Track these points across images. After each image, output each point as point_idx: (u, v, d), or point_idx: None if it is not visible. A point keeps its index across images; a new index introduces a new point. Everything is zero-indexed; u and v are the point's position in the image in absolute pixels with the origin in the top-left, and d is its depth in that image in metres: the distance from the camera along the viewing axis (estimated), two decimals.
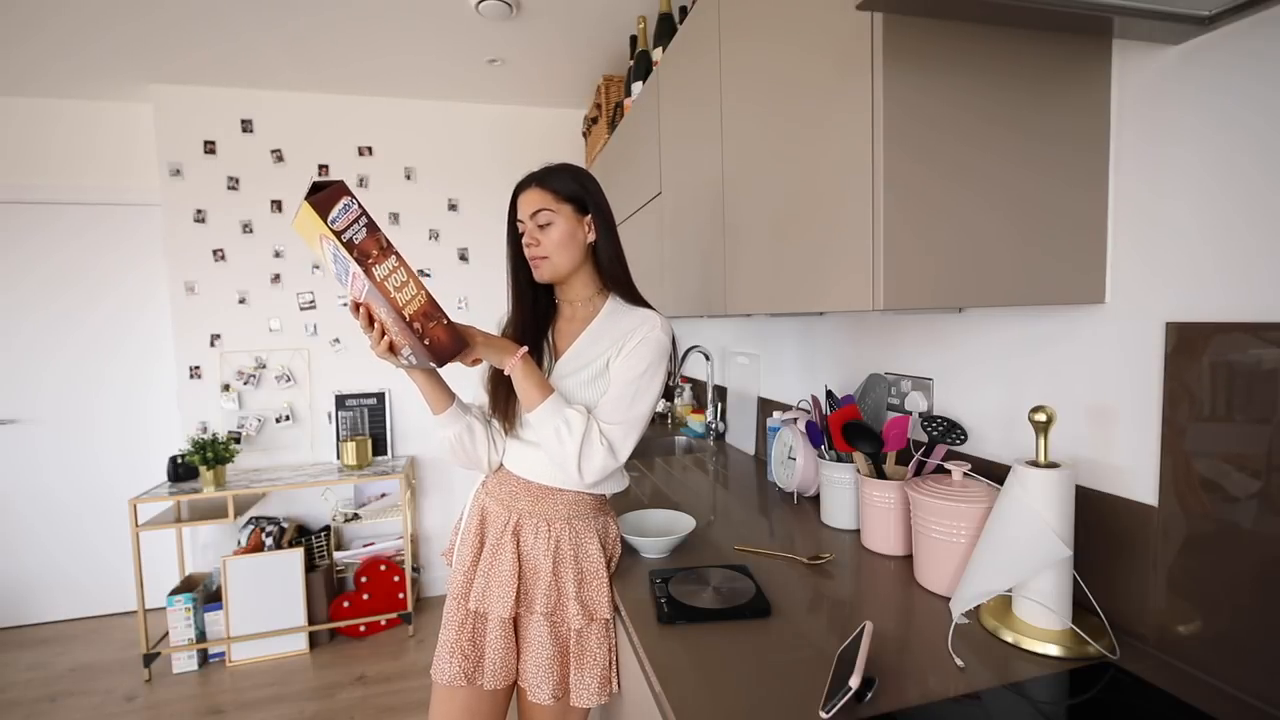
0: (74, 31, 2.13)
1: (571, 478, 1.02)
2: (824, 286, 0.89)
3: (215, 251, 2.73)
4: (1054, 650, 0.77)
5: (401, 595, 2.66)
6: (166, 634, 2.42)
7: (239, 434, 2.74)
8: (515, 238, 1.11)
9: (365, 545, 2.83)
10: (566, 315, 1.15)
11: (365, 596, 2.62)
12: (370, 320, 0.91)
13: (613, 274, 1.12)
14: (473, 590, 1.06)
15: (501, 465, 1.14)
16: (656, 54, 1.81)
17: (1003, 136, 0.78)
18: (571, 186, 1.07)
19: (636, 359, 1.04)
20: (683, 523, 1.24)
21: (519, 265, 1.13)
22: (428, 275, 2.97)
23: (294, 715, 2.12)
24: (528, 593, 1.05)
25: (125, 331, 2.88)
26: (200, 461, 2.37)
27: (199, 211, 2.70)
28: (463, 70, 2.59)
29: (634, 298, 1.13)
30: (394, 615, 2.64)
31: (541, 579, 1.04)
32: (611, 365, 1.05)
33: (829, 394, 1.35)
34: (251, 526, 2.65)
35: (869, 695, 0.70)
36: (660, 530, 1.23)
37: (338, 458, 2.81)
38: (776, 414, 1.66)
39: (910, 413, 1.23)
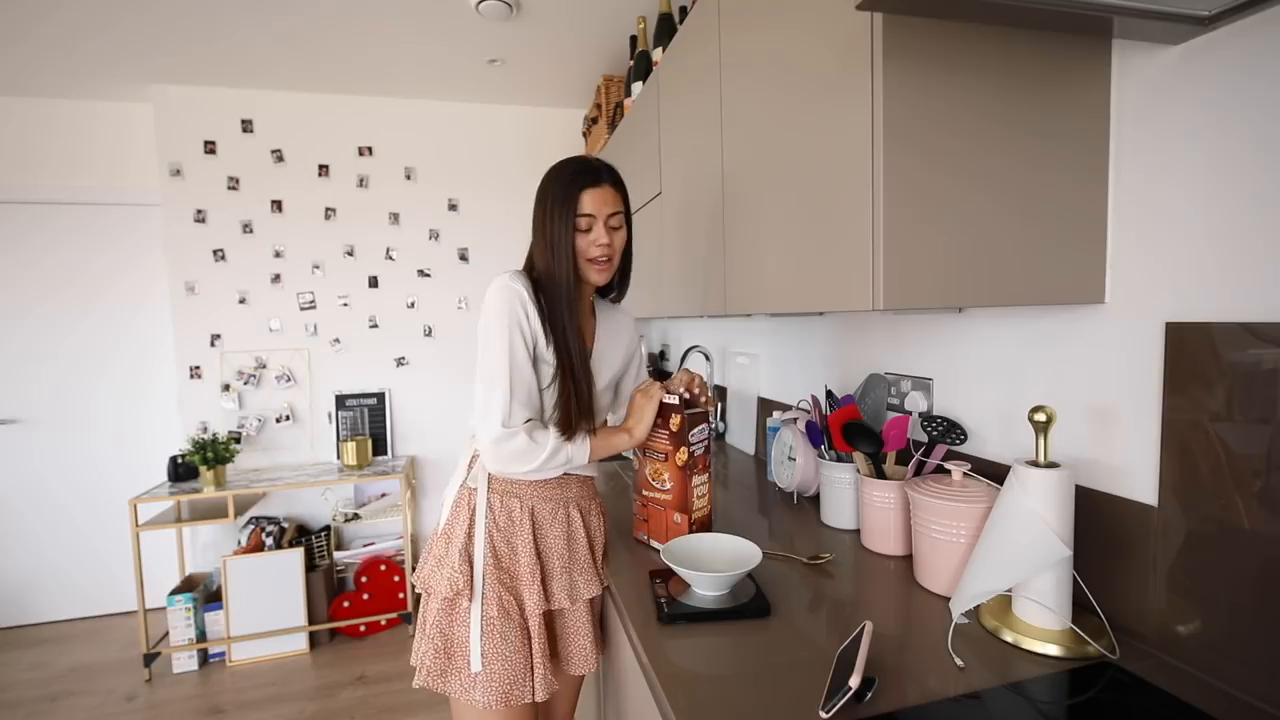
0: (71, 29, 2.13)
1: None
2: (824, 286, 0.89)
3: (215, 251, 2.73)
4: (1054, 650, 0.77)
5: (401, 595, 2.66)
6: (167, 634, 2.42)
7: (239, 434, 2.74)
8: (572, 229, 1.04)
9: (365, 545, 2.84)
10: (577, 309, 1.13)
11: (365, 596, 2.62)
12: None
13: (624, 279, 1.16)
14: (556, 586, 1.07)
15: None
16: (656, 54, 1.81)
17: (1003, 135, 0.78)
18: (625, 192, 1.10)
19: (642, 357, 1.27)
20: (746, 554, 1.00)
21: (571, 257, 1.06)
22: (428, 275, 2.98)
23: (294, 715, 2.12)
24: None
25: (122, 331, 2.88)
26: (200, 461, 2.37)
27: (199, 211, 2.70)
28: (463, 70, 2.59)
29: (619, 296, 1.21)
30: (394, 615, 2.64)
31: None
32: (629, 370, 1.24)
33: (829, 394, 1.35)
34: (252, 526, 2.65)
35: (869, 695, 0.70)
36: (721, 563, 1.01)
37: (338, 458, 2.81)
38: (776, 414, 1.66)
39: (910, 413, 1.23)
